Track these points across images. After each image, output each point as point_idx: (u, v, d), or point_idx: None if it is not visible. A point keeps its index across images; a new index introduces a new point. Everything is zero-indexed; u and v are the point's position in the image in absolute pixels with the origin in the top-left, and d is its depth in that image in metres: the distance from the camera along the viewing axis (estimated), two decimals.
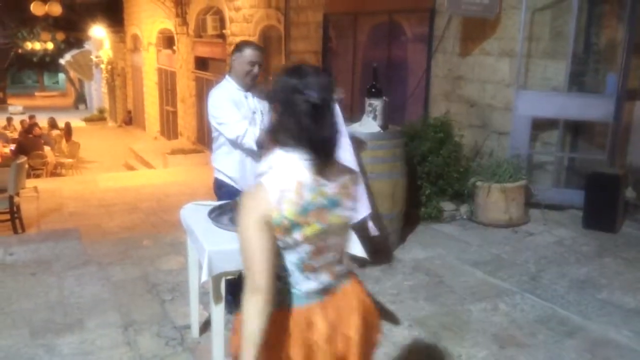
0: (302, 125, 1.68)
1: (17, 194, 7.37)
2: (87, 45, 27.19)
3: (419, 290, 4.13)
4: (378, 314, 2.01)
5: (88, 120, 26.18)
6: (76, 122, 22.75)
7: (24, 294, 4.10)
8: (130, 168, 15.18)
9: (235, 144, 3.48)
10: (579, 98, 5.66)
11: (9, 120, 20.04)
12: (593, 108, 5.55)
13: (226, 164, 3.60)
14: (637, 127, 5.82)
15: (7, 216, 7.09)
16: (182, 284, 4.07)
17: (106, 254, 4.95)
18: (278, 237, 1.69)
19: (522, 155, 5.70)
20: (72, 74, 33.44)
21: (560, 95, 5.67)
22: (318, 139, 1.69)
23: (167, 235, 5.49)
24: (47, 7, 17.59)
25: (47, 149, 15.07)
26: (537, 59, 5.85)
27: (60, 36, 26.25)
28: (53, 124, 18.72)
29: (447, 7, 5.91)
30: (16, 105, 30.54)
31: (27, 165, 9.46)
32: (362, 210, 3.66)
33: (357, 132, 4.55)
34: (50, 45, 27.56)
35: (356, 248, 2.98)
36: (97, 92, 29.31)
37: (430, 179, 5.53)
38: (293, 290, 1.77)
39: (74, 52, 28.59)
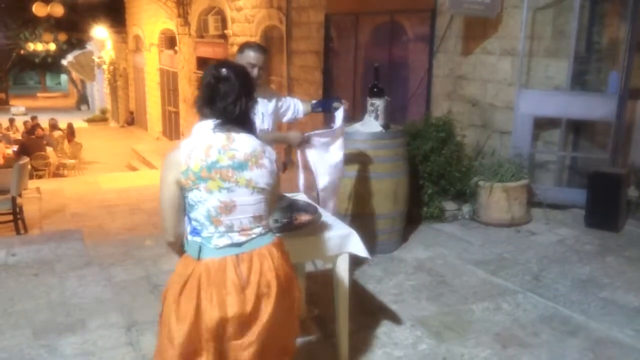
0: (204, 95, 2.11)
1: (20, 195, 7.39)
2: (89, 46, 27.23)
3: (421, 290, 4.13)
4: (293, 284, 2.18)
5: (90, 121, 26.24)
6: (78, 122, 22.81)
7: (26, 295, 4.11)
8: (133, 168, 15.21)
9: None
10: (581, 97, 5.65)
11: (12, 121, 20.07)
12: (595, 107, 5.53)
13: None
14: (639, 126, 5.80)
15: (10, 217, 7.11)
16: None
17: (108, 254, 4.95)
18: (188, 189, 2.02)
19: (524, 154, 5.69)
20: (74, 74, 33.51)
21: (562, 94, 5.66)
22: (218, 107, 2.07)
23: None
24: (49, 8, 17.65)
25: (49, 150, 15.10)
26: (539, 58, 5.84)
27: (62, 37, 26.30)
28: (54, 125, 18.73)
29: (449, 6, 5.91)
30: (18, 106, 30.60)
31: (29, 166, 9.48)
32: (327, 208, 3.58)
33: (359, 131, 4.55)
34: (52, 46, 27.60)
35: (357, 248, 2.98)
36: (99, 92, 29.37)
37: (432, 178, 5.52)
38: (208, 244, 2.05)
39: (76, 52, 28.62)
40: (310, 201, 3.27)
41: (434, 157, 5.51)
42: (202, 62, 15.10)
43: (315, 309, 3.77)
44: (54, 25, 24.79)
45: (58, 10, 17.73)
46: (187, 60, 15.85)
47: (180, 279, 2.05)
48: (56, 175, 14.40)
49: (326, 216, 3.11)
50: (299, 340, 3.40)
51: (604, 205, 5.22)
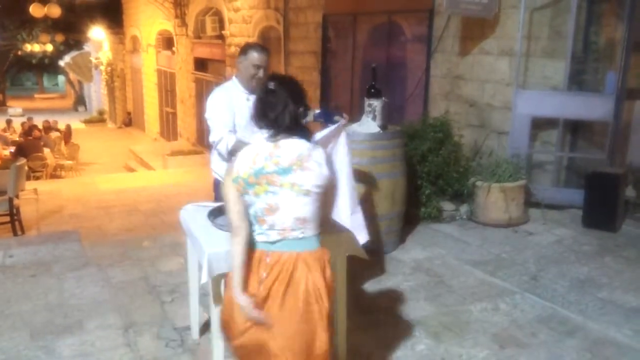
0: (257, 109, 2.30)
1: (17, 196, 7.37)
2: (87, 47, 27.23)
3: (419, 291, 4.13)
4: (319, 297, 2.26)
5: (88, 121, 26.20)
6: (76, 123, 22.79)
7: (24, 296, 4.10)
8: (130, 169, 15.19)
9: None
10: (578, 97, 5.65)
11: (9, 122, 20.02)
12: (592, 107, 5.54)
13: (221, 165, 3.60)
14: (636, 126, 5.82)
15: (7, 218, 7.09)
16: (182, 285, 4.06)
17: (106, 255, 4.94)
18: (240, 194, 2.24)
19: (521, 154, 5.69)
20: (71, 75, 33.47)
21: (559, 94, 5.66)
22: (270, 118, 2.25)
23: (166, 236, 5.49)
24: (46, 8, 17.61)
25: (46, 151, 15.07)
26: (536, 58, 5.85)
27: (59, 38, 26.24)
28: (48, 127, 18.68)
29: (446, 6, 5.90)
30: (16, 108, 30.56)
31: (26, 168, 9.46)
32: (360, 236, 3.48)
33: (357, 132, 4.55)
34: (49, 47, 27.53)
35: (355, 248, 2.97)
36: (97, 93, 29.33)
37: (430, 178, 5.52)
38: (253, 239, 2.28)
39: (74, 53, 28.61)
40: None
41: (431, 157, 5.51)
42: (199, 63, 15.09)
43: None
44: (51, 26, 24.72)
45: (55, 11, 17.70)
46: (184, 61, 15.84)
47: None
48: (53, 176, 14.36)
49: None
50: None
51: (601, 206, 5.23)
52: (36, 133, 16.42)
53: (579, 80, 5.82)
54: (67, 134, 18.22)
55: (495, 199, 5.41)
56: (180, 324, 3.64)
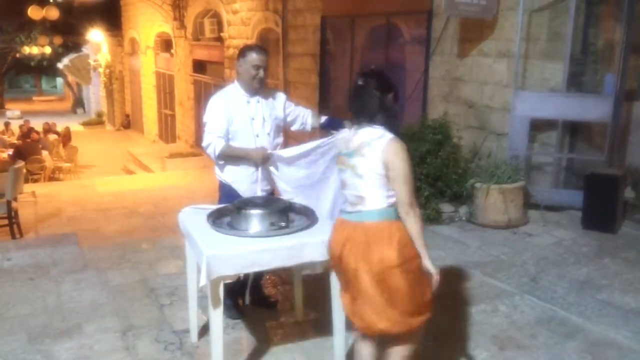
0: (351, 102, 2.63)
1: (15, 199, 7.36)
2: (85, 49, 27.19)
3: None
4: (385, 265, 2.56)
5: (86, 124, 26.15)
6: (74, 126, 22.75)
7: (22, 299, 4.09)
8: (129, 172, 15.17)
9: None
10: (577, 99, 5.66)
11: (7, 125, 19.99)
12: (591, 108, 5.54)
13: (221, 168, 3.60)
14: (635, 127, 5.81)
15: (5, 221, 7.08)
16: (181, 288, 4.06)
17: (104, 258, 4.93)
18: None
19: (520, 156, 5.69)
20: (70, 78, 33.45)
21: (558, 95, 5.66)
22: (357, 108, 2.60)
23: (165, 239, 5.48)
24: (44, 11, 17.63)
25: (45, 153, 15.05)
26: (534, 60, 5.85)
27: (58, 40, 26.20)
28: (47, 129, 18.66)
29: (445, 8, 5.90)
30: (14, 110, 30.50)
31: (25, 170, 9.45)
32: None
33: None
34: (48, 50, 27.48)
35: None
36: (95, 96, 29.31)
37: (428, 180, 5.52)
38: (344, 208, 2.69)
39: (72, 56, 28.58)
40: (307, 205, 3.26)
41: (430, 159, 5.51)
42: (198, 65, 15.10)
43: (311, 312, 3.76)
44: (50, 28, 24.71)
45: (53, 13, 17.71)
46: (183, 63, 15.84)
47: None
48: (52, 179, 14.34)
49: (322, 220, 3.11)
50: (299, 340, 3.40)
51: (600, 207, 5.22)
52: (34, 135, 16.39)
53: (577, 81, 5.82)
54: (66, 137, 18.20)
55: (494, 201, 5.41)
56: (179, 327, 3.63)
